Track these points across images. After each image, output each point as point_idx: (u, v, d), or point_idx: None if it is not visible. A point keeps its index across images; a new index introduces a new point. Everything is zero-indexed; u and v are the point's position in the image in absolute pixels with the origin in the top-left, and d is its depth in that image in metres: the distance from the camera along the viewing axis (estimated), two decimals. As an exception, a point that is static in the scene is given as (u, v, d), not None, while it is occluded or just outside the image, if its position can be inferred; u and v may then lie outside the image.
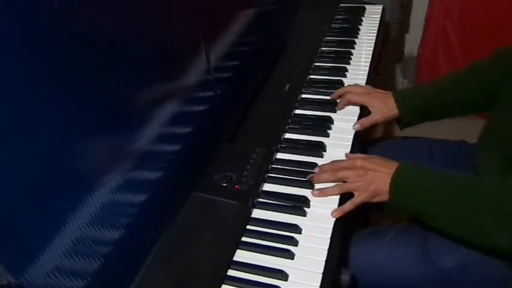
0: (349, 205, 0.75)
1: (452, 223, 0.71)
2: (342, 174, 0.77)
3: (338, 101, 0.99)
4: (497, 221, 0.66)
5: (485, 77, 0.90)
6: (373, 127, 1.46)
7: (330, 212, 0.75)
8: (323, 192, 0.78)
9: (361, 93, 0.96)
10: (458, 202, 0.69)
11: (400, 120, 0.95)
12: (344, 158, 0.83)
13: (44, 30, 0.47)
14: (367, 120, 0.93)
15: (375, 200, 0.75)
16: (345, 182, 0.77)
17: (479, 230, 0.68)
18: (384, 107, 0.93)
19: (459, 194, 0.70)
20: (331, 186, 0.78)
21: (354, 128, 0.92)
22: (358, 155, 0.81)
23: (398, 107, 0.92)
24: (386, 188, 0.73)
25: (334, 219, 0.74)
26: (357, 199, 0.75)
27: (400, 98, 0.93)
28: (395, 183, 0.73)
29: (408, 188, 0.73)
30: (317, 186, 0.79)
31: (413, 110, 0.93)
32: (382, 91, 0.97)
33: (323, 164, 0.81)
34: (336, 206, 0.76)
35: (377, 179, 0.74)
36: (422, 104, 0.93)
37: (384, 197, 0.74)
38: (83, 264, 0.54)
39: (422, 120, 0.96)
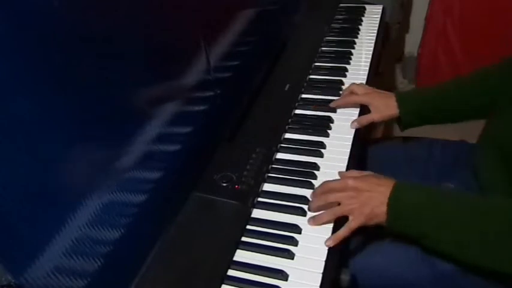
0: (344, 231, 0.70)
1: (457, 247, 0.67)
2: (333, 197, 0.72)
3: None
4: (505, 243, 0.64)
5: (492, 86, 0.89)
6: (373, 127, 1.45)
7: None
8: (316, 220, 0.72)
9: (363, 94, 0.96)
10: (464, 225, 0.66)
11: (400, 121, 0.95)
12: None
13: (43, 29, 0.47)
14: (365, 118, 0.93)
15: (372, 222, 0.71)
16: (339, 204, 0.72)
17: (486, 253, 0.65)
18: (384, 106, 0.93)
19: (464, 216, 0.67)
20: (324, 212, 0.73)
21: (351, 126, 0.92)
22: (351, 172, 0.78)
23: (400, 108, 0.92)
24: (383, 208, 0.69)
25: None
26: (352, 223, 0.70)
27: (402, 100, 0.93)
28: (392, 204, 0.69)
29: (406, 209, 0.69)
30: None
31: (414, 112, 0.93)
32: (384, 91, 0.97)
33: (316, 188, 0.77)
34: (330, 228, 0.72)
35: (372, 199, 0.70)
36: (424, 108, 0.93)
37: (381, 218, 0.70)
38: (83, 264, 0.54)
39: (422, 123, 0.96)
